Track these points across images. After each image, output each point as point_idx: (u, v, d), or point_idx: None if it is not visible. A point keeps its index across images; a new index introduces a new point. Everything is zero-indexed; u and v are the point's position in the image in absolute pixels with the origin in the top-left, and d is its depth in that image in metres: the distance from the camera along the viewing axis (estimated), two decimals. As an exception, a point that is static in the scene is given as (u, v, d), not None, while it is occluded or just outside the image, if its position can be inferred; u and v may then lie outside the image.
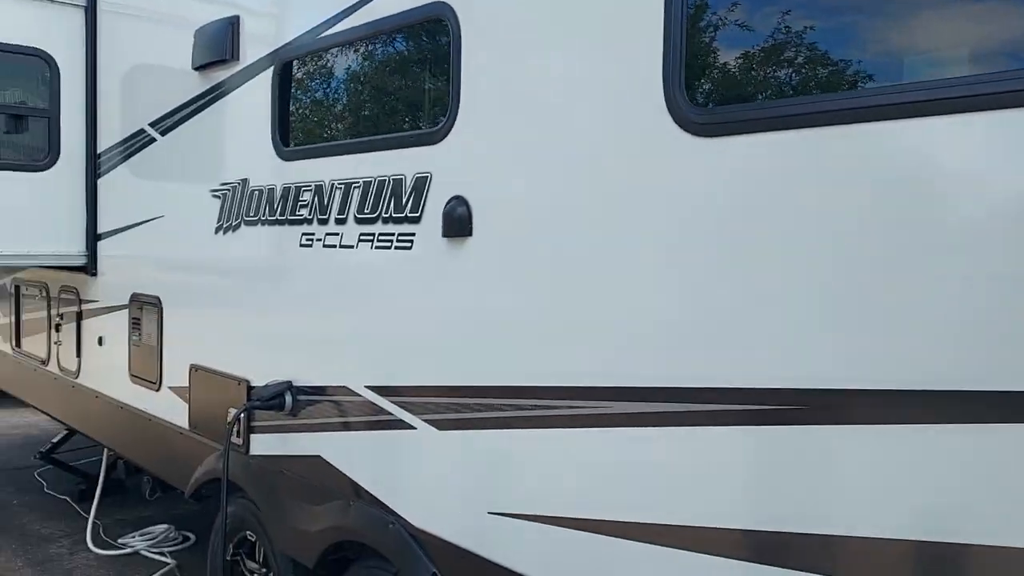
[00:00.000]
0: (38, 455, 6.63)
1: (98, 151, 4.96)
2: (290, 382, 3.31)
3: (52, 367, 5.65)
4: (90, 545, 5.52)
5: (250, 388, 3.58)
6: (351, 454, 3.03)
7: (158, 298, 4.35)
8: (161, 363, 4.33)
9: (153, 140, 4.38)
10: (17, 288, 6.26)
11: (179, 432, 4.14)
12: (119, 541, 5.59)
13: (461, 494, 2.56)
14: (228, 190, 3.74)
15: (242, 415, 3.49)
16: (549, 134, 2.33)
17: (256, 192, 3.54)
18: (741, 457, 1.91)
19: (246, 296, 3.64)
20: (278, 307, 3.43)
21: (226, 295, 3.79)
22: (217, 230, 3.83)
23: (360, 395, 2.96)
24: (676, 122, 1.98)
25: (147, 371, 4.44)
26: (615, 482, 2.16)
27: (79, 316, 5.27)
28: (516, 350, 2.40)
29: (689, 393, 1.99)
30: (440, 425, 2.63)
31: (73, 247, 5.03)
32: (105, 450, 5.81)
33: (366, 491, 2.92)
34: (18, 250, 4.91)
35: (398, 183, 2.78)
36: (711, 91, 2.10)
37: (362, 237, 2.95)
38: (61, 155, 4.96)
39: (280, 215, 3.39)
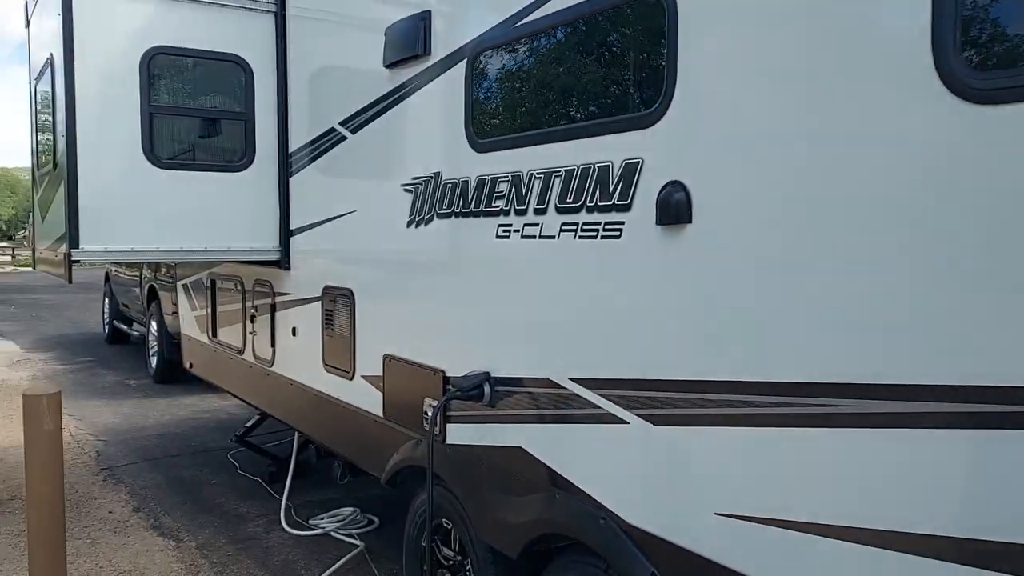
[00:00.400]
0: (234, 438, 7.08)
1: (289, 151, 5.19)
2: (488, 373, 3.33)
3: (247, 356, 5.99)
4: (284, 525, 5.83)
5: (446, 379, 3.64)
6: (555, 446, 3.00)
7: (350, 290, 4.51)
8: (354, 353, 4.48)
9: (344, 138, 4.53)
10: (213, 282, 6.69)
11: (373, 419, 4.27)
12: (310, 522, 5.87)
13: (682, 492, 2.47)
14: (420, 184, 3.80)
15: (440, 405, 3.54)
16: (781, 108, 2.18)
17: (449, 185, 3.58)
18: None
19: (441, 288, 3.70)
20: (474, 298, 3.46)
21: (420, 287, 3.86)
22: (409, 223, 3.90)
23: (564, 387, 2.93)
24: (948, 87, 1.78)
25: (340, 360, 4.61)
26: (858, 486, 2.00)
27: (273, 308, 5.55)
28: (741, 343, 2.28)
29: (956, 392, 1.80)
30: (656, 420, 2.55)
31: (268, 243, 5.30)
32: (296, 434, 6.12)
33: (573, 485, 2.89)
34: (217, 246, 5.22)
35: (604, 170, 2.71)
36: (993, 51, 1.85)
37: (564, 227, 2.91)
38: (256, 155, 5.24)
39: (475, 207, 3.41)
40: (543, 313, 3.06)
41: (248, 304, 5.96)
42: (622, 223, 2.65)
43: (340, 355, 4.62)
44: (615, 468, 2.72)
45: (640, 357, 2.61)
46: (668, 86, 2.47)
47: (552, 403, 2.99)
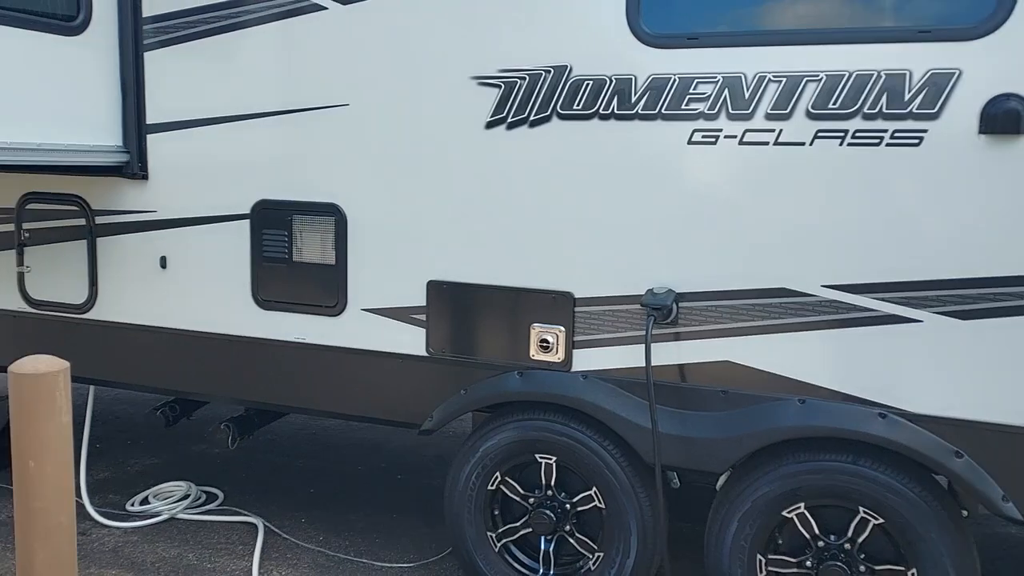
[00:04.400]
0: None
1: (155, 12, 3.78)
2: (670, 289, 3.11)
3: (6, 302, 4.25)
4: (94, 514, 4.41)
5: (575, 301, 3.26)
6: (793, 356, 3.01)
7: (334, 206, 3.59)
8: (344, 283, 3.62)
9: (319, 7, 3.50)
10: None
11: (398, 359, 3.56)
12: (129, 508, 4.54)
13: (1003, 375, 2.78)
14: (521, 77, 3.23)
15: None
16: None
17: (590, 82, 3.14)
18: None
19: (569, 198, 3.24)
20: (643, 207, 3.14)
21: (520, 197, 3.30)
22: (493, 125, 3.29)
23: (814, 295, 2.95)
24: None
25: (307, 294, 3.67)
26: None
27: (91, 232, 4.04)
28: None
29: None
30: (964, 316, 2.79)
31: (106, 140, 3.82)
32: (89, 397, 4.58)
33: (831, 390, 2.96)
34: (30, 140, 3.61)
35: (896, 77, 2.77)
36: None
37: (821, 133, 2.88)
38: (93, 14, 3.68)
39: (646, 109, 3.08)
40: (777, 222, 2.98)
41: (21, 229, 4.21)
42: (923, 131, 2.77)
43: (306, 288, 3.67)
44: (899, 365, 2.89)
45: (943, 258, 2.80)
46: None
47: (792, 312, 2.98)
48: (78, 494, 4.46)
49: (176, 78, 3.82)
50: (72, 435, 2.38)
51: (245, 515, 4.46)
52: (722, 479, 3.29)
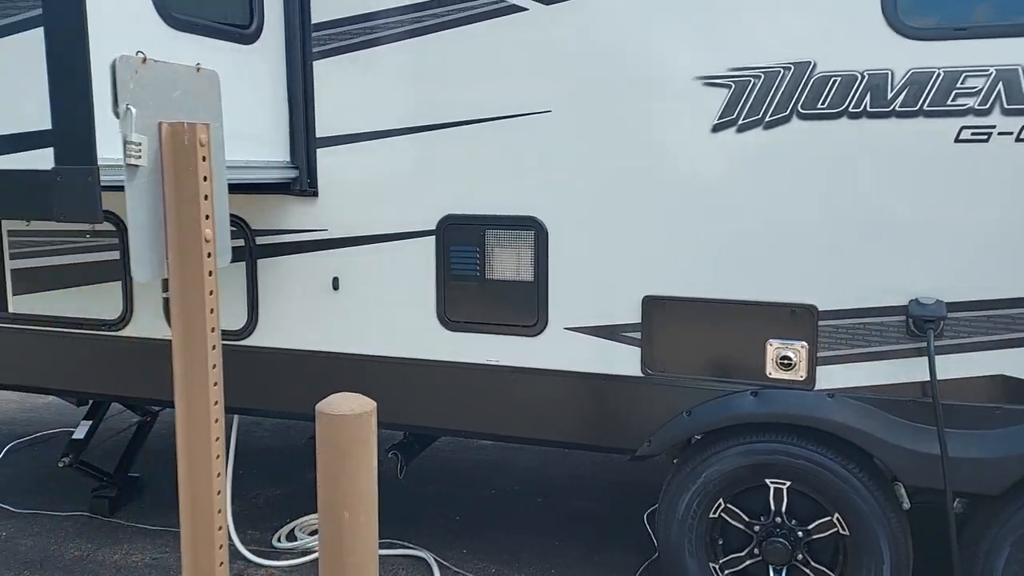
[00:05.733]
0: (68, 461, 4.63)
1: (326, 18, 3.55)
2: (938, 299, 2.90)
3: (141, 330, 4.01)
4: (251, 556, 4.16)
5: (818, 314, 3.04)
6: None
7: (534, 220, 3.36)
8: (546, 301, 3.39)
9: (519, 8, 3.29)
10: None
11: (604, 380, 3.34)
12: (280, 544, 4.30)
13: None
14: (755, 76, 3.02)
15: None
16: None
17: (838, 79, 2.93)
18: None
19: (809, 205, 3.03)
20: (901, 213, 2.93)
21: (753, 205, 3.09)
22: (721, 127, 3.08)
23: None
24: None
25: (502, 314, 3.44)
26: None
27: (251, 253, 3.81)
28: None
29: None
30: None
31: (276, 154, 3.59)
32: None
33: None
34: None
35: None
36: None
37: None
38: (265, 22, 3.45)
39: (904, 105, 2.87)
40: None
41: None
42: None
43: (501, 307, 3.44)
44: None
45: None
46: None
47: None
48: (241, 537, 4.23)
49: (348, 88, 3.59)
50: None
51: (411, 548, 4.22)
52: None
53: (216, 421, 2.14)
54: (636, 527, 4.46)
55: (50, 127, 2.55)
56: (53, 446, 5.90)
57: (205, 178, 2.08)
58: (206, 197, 2.08)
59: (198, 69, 2.21)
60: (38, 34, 2.58)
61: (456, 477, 5.33)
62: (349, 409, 1.97)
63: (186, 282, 2.10)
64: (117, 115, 1.76)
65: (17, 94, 2.71)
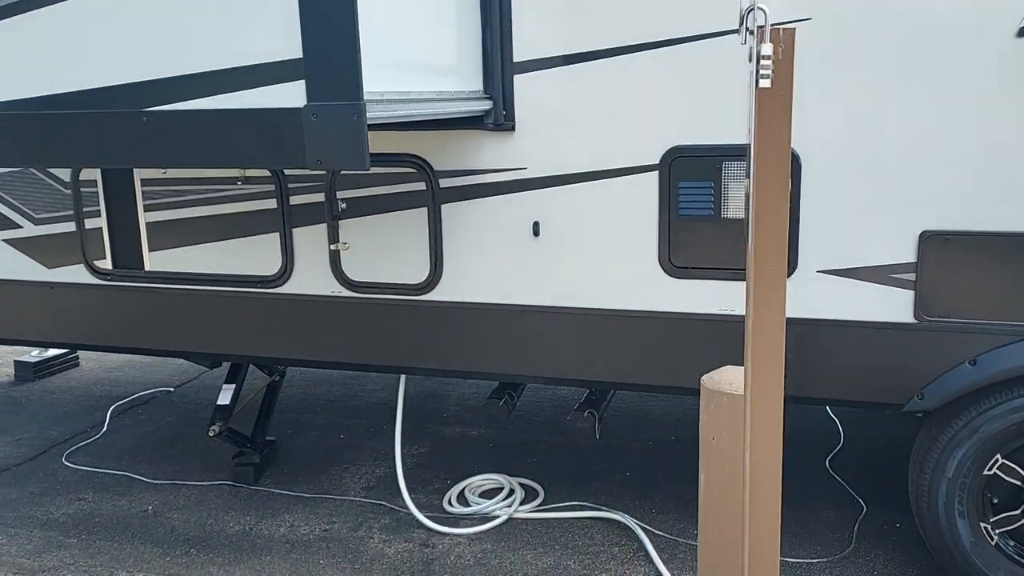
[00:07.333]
0: (217, 430, 4.27)
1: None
2: None
3: (304, 286, 3.62)
4: (431, 524, 3.86)
5: None
6: None
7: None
8: (796, 240, 3.01)
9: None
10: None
11: (870, 328, 2.98)
12: (452, 508, 4.00)
13: None
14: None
15: None
16: None
17: None
18: None
19: None
20: None
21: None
22: (1028, 31, 2.65)
23: None
24: None
25: (742, 257, 3.05)
26: None
27: (433, 198, 3.40)
28: None
29: None
30: None
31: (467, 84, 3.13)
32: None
33: None
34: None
35: None
36: None
37: None
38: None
39: None
40: None
41: (335, 199, 3.54)
42: None
43: (739, 249, 3.05)
44: None
45: None
46: None
47: None
48: (403, 502, 3.92)
49: (552, 2, 3.12)
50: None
51: (608, 512, 3.91)
52: None
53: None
54: (821, 475, 4.18)
55: (299, 55, 2.10)
56: (154, 408, 5.58)
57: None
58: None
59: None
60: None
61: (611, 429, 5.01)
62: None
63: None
64: (741, 21, 1.31)
65: (240, 19, 2.25)
